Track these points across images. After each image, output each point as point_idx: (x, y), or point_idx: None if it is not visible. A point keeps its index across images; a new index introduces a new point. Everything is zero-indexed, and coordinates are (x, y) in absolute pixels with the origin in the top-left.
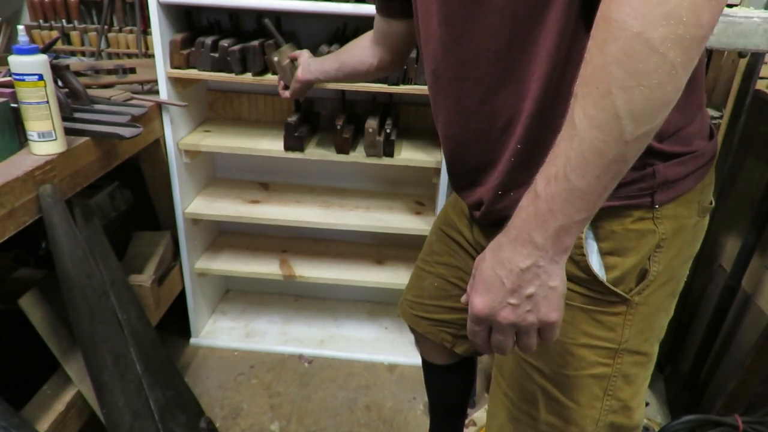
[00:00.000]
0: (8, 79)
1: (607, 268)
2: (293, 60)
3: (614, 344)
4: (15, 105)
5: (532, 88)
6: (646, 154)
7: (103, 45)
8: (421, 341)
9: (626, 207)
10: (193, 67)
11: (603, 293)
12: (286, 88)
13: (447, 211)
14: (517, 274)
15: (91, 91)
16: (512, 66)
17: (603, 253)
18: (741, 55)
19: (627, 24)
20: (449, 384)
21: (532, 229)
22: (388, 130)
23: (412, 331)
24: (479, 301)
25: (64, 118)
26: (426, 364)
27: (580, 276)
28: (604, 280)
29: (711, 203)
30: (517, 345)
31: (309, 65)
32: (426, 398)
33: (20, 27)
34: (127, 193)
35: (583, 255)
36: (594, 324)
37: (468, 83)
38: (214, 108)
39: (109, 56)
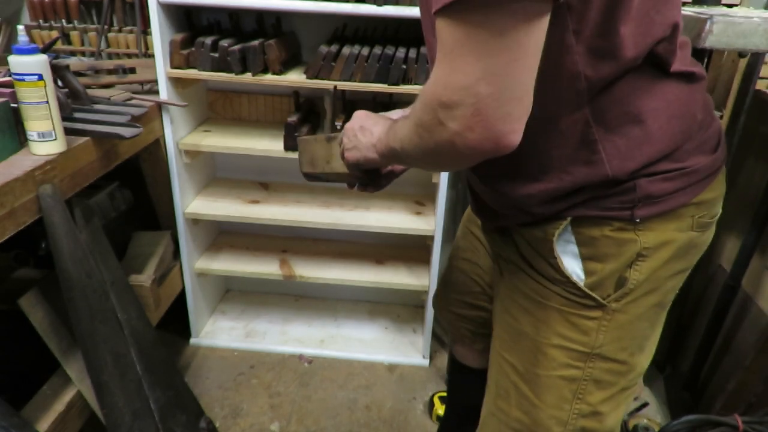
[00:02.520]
0: (8, 79)
1: (587, 272)
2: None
3: (586, 348)
4: (15, 105)
5: None
6: (628, 174)
7: (103, 45)
8: (456, 341)
9: (606, 218)
10: (193, 67)
11: (578, 296)
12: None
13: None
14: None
15: (91, 91)
16: None
17: (584, 258)
18: (741, 55)
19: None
20: (477, 387)
21: (381, 133)
22: None
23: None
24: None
25: (64, 118)
26: (456, 365)
27: (556, 277)
28: (579, 282)
29: (714, 216)
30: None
31: None
32: (426, 398)
33: (20, 27)
34: (127, 193)
35: (555, 257)
36: (568, 326)
37: None
38: (214, 108)
39: (109, 56)
